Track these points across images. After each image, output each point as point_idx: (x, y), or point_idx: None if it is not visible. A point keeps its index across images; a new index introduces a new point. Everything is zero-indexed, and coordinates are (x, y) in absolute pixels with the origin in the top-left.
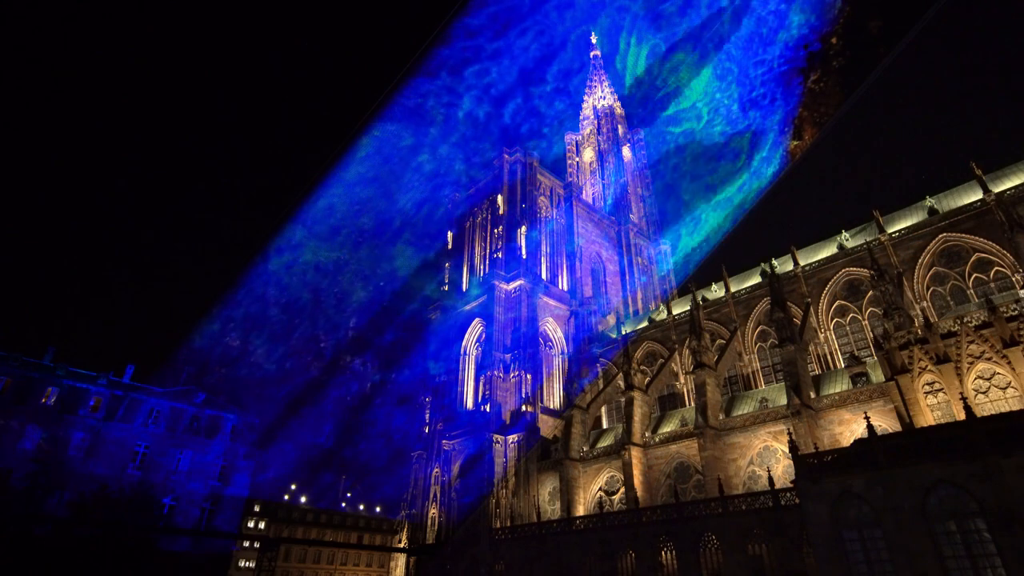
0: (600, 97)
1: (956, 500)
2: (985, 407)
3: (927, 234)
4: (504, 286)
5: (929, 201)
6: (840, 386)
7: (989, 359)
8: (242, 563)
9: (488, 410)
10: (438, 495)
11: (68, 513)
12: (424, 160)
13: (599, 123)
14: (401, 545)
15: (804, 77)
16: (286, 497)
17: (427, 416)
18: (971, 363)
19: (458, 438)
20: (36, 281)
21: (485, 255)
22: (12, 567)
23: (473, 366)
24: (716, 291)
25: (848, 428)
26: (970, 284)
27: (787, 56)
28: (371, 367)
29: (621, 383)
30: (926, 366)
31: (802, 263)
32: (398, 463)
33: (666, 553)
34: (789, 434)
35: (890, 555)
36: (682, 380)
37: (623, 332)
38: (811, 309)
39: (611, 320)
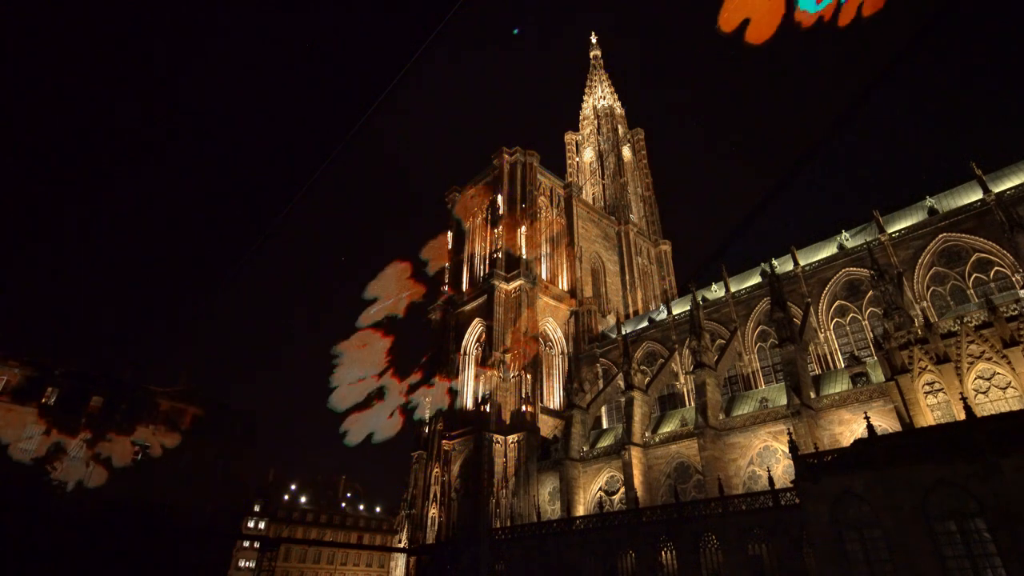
0: (600, 97)
1: (956, 500)
2: (985, 407)
3: (927, 234)
4: (504, 286)
5: (929, 201)
6: (840, 386)
7: (989, 359)
8: (242, 563)
9: (488, 410)
10: (438, 495)
11: (68, 513)
12: (423, 160)
13: (599, 123)
14: (401, 545)
15: (804, 76)
16: (286, 497)
17: (427, 416)
18: (971, 363)
19: (458, 438)
20: (36, 280)
21: (485, 255)
22: (12, 567)
23: (473, 366)
24: (716, 291)
25: (848, 428)
26: (970, 284)
27: (788, 56)
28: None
29: (621, 383)
30: (926, 366)
31: (802, 263)
32: (398, 463)
33: (666, 553)
34: (789, 434)
35: (890, 555)
36: (682, 380)
37: (623, 332)
38: (811, 309)
39: (611, 320)
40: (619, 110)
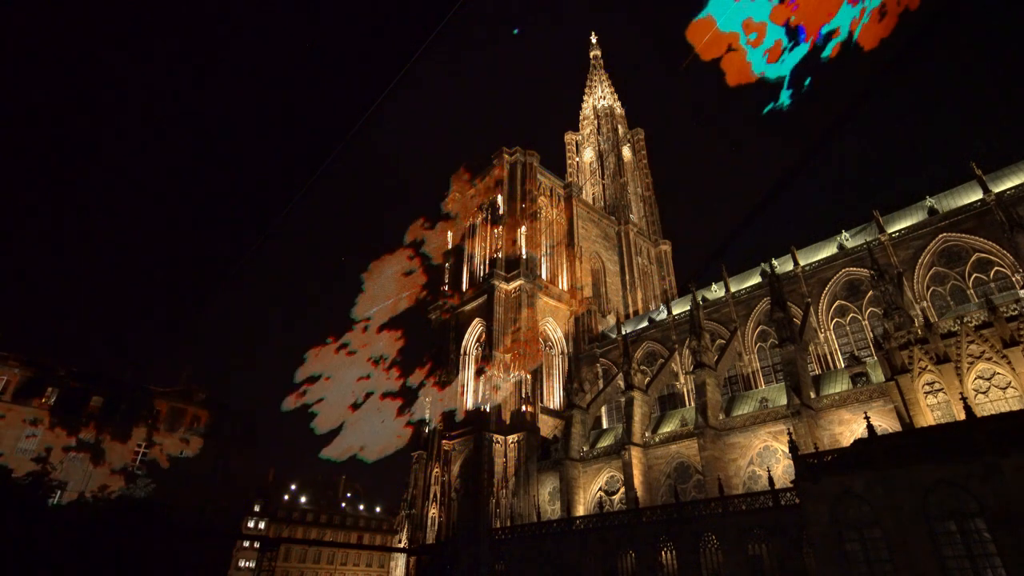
0: (600, 97)
1: (956, 500)
2: (985, 407)
3: (927, 234)
4: (504, 286)
5: (929, 201)
6: (840, 386)
7: (989, 359)
8: (242, 563)
9: (488, 410)
10: (438, 495)
11: (68, 513)
12: (423, 160)
13: (599, 123)
14: (401, 545)
15: (805, 76)
16: (286, 497)
17: (427, 416)
18: (971, 363)
19: (458, 438)
20: (37, 281)
21: (485, 255)
22: (12, 567)
23: (473, 366)
24: (716, 291)
25: (848, 428)
26: (970, 284)
27: (788, 56)
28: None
29: (621, 383)
30: (926, 366)
31: (802, 263)
32: (398, 463)
33: (666, 553)
34: (789, 434)
35: (890, 555)
36: (682, 380)
37: (623, 332)
38: (811, 309)
39: (611, 320)
40: (619, 110)
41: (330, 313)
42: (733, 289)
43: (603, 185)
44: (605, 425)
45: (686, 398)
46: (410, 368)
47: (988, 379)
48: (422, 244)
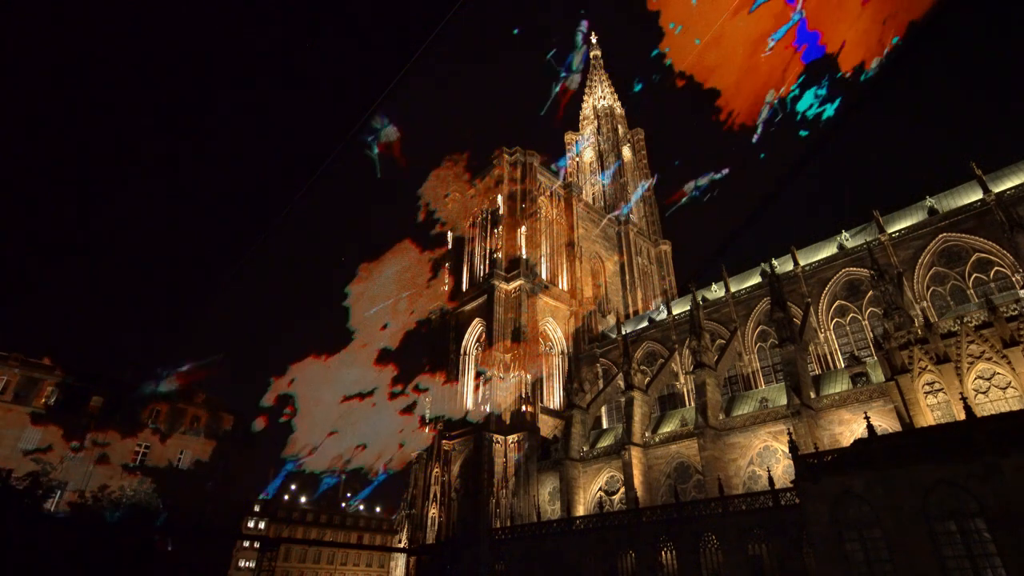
0: (600, 97)
1: (956, 500)
2: (985, 407)
3: (927, 234)
4: (504, 286)
5: (929, 201)
6: (840, 386)
7: (989, 359)
8: (242, 563)
9: (488, 410)
10: (438, 495)
11: (68, 513)
12: (423, 161)
13: (599, 123)
14: (401, 545)
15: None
16: (286, 497)
17: (427, 416)
18: (971, 363)
19: (458, 438)
20: (37, 281)
21: (485, 255)
22: (12, 567)
23: (473, 366)
24: (716, 291)
25: (848, 428)
26: (970, 284)
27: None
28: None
29: (621, 383)
30: (926, 366)
31: (802, 263)
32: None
33: (666, 553)
34: (789, 434)
35: (890, 555)
36: (682, 380)
37: (623, 332)
38: (811, 309)
39: (611, 320)
40: (619, 110)
41: (329, 313)
42: (733, 289)
43: (603, 185)
44: (605, 425)
45: (686, 398)
46: (409, 371)
47: (988, 379)
48: (421, 244)
